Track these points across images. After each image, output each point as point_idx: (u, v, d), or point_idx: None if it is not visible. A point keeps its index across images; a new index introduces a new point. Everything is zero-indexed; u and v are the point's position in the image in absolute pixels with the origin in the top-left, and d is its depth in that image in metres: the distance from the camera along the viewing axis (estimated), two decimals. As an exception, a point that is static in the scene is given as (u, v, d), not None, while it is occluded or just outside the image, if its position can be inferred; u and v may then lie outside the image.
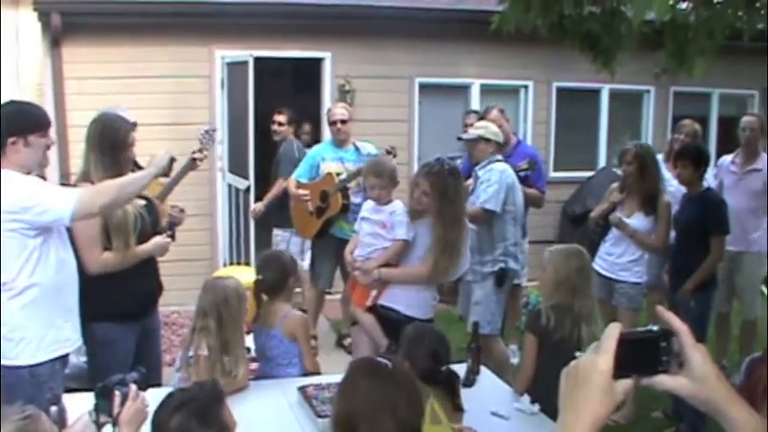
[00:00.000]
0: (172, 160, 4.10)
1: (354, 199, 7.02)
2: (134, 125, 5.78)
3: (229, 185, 9.19)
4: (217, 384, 2.85)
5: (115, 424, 2.89)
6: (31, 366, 3.69)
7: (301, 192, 7.15)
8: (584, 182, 10.38)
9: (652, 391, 4.69)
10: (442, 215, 4.73)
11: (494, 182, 5.94)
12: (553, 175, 10.15)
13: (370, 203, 4.99)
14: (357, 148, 7.20)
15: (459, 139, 6.57)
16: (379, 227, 4.86)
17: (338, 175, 7.01)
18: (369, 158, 5.36)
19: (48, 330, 3.77)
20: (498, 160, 6.11)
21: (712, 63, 5.48)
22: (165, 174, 4.12)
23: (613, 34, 5.26)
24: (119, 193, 3.83)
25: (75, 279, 3.95)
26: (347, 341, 7.12)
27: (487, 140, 6.08)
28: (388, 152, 6.89)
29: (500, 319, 6.20)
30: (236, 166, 8.90)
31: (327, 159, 7.17)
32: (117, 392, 2.93)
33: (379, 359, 2.96)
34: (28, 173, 3.70)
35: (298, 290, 5.62)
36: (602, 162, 10.95)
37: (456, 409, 3.47)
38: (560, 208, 10.34)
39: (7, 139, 3.65)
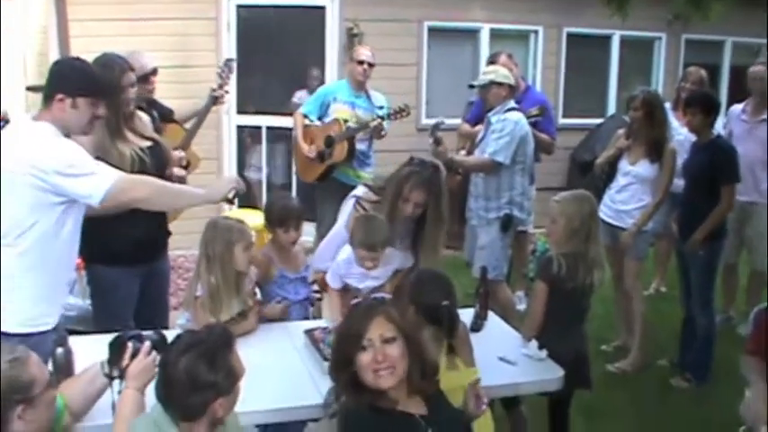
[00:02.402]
0: (234, 196, 3.96)
1: (360, 146, 7.00)
2: (154, 70, 5.75)
3: (238, 127, 9.17)
4: (227, 329, 2.83)
5: (122, 376, 2.90)
6: (18, 335, 3.44)
7: (305, 146, 7.11)
8: (593, 129, 10.29)
9: (659, 340, 4.78)
10: (437, 219, 4.46)
11: (506, 133, 5.86)
12: (562, 121, 10.06)
13: (353, 268, 4.32)
14: (369, 97, 7.13)
15: (471, 86, 6.50)
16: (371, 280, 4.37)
17: (346, 121, 6.96)
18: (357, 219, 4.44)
19: (37, 302, 3.56)
20: (512, 108, 6.02)
21: (729, 8, 5.39)
22: (230, 201, 3.98)
23: (627, -23, 5.18)
24: (156, 195, 3.68)
25: (74, 260, 3.83)
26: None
27: (499, 84, 5.98)
28: (401, 110, 6.82)
29: (506, 265, 6.22)
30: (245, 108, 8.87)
31: (339, 101, 7.09)
32: (129, 345, 2.94)
33: (377, 295, 2.99)
34: (66, 135, 3.55)
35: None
36: (611, 109, 10.87)
37: (450, 349, 3.45)
38: (569, 155, 10.26)
39: (55, 94, 3.51)
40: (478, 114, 7.17)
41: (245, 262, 4.10)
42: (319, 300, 4.75)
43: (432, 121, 6.23)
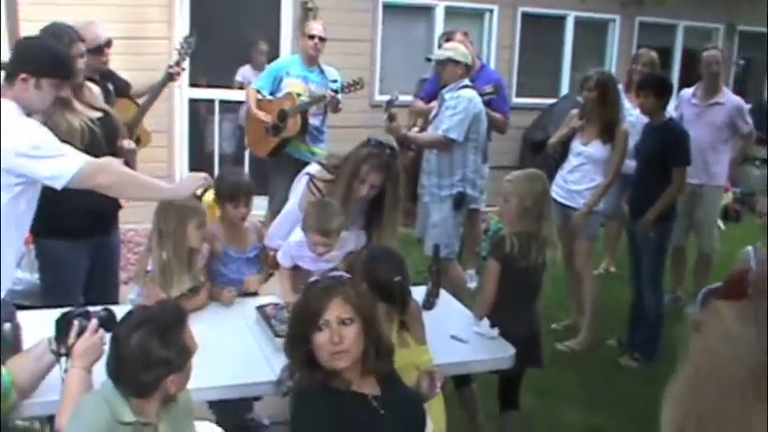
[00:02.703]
0: (203, 193, 3.88)
1: (313, 121, 6.97)
2: (108, 42, 5.62)
3: (190, 99, 9.07)
4: (179, 306, 2.81)
5: (68, 355, 2.85)
6: None
7: (260, 114, 7.05)
8: (546, 109, 10.38)
9: (608, 319, 4.83)
10: (395, 202, 4.43)
11: (460, 110, 5.88)
12: (515, 100, 10.09)
13: (304, 248, 4.26)
14: (322, 71, 7.10)
15: (428, 59, 6.50)
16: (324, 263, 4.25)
17: (299, 95, 6.91)
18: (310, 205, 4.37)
19: None
20: (466, 86, 6.04)
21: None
22: (198, 197, 3.91)
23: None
24: (122, 184, 3.58)
25: (23, 237, 3.75)
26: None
27: (456, 62, 6.00)
28: (355, 83, 6.82)
29: (457, 243, 6.25)
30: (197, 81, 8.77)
31: (292, 75, 7.06)
32: (75, 323, 2.89)
33: (335, 273, 2.98)
34: (28, 114, 3.46)
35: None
36: (564, 89, 10.96)
37: (402, 326, 3.47)
38: (521, 134, 10.33)
39: (19, 73, 3.41)
40: (432, 91, 7.17)
41: (197, 239, 4.06)
42: (270, 275, 4.72)
43: (385, 98, 6.23)
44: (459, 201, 6.02)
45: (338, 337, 2.70)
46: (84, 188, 3.48)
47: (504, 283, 4.21)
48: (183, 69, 5.91)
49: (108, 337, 2.78)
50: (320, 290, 2.81)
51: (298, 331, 2.81)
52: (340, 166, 4.44)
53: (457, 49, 6.11)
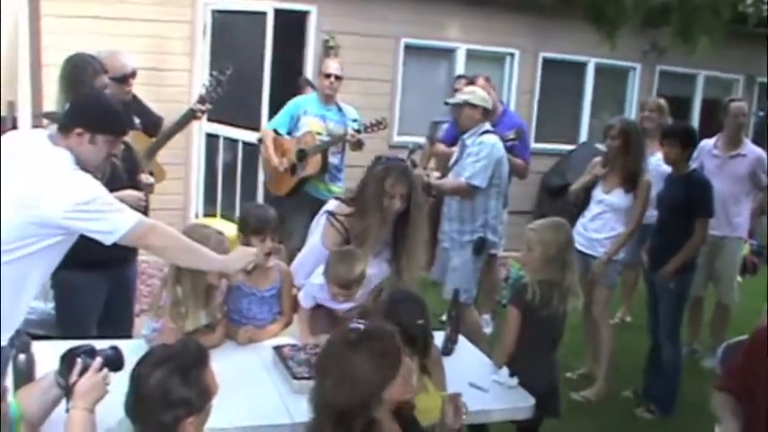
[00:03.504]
0: (251, 271, 3.88)
1: (332, 159, 6.95)
2: (133, 72, 5.53)
3: (207, 134, 9.07)
4: (201, 345, 2.77)
5: (69, 393, 2.78)
6: None
7: (274, 158, 7.00)
8: (564, 155, 10.42)
9: (623, 370, 4.76)
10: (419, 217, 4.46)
11: (483, 156, 5.86)
12: (534, 145, 9.95)
13: (325, 292, 4.24)
14: (340, 109, 7.09)
15: (446, 103, 6.50)
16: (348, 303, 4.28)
17: (318, 134, 6.91)
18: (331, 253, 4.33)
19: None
20: (488, 131, 6.01)
21: (717, 43, 5.45)
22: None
23: (618, 6, 5.20)
24: (173, 249, 3.54)
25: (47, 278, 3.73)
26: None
27: (473, 106, 5.98)
28: (378, 123, 6.82)
29: (475, 288, 6.19)
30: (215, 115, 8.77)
31: (309, 114, 7.04)
32: (79, 360, 2.81)
33: (353, 325, 2.93)
34: (81, 167, 3.38)
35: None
36: (583, 136, 10.99)
37: (423, 370, 3.43)
38: (539, 179, 10.34)
39: (74, 127, 3.36)
40: (454, 134, 7.17)
41: (215, 275, 4.00)
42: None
43: (403, 139, 6.24)
44: (480, 246, 5.99)
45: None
46: (129, 244, 3.44)
47: (525, 331, 4.18)
48: (208, 108, 5.76)
49: (113, 376, 2.76)
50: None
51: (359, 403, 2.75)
52: (357, 197, 4.44)
53: (475, 93, 6.11)
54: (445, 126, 7.72)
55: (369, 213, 4.32)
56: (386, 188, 4.29)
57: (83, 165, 3.38)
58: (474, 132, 5.99)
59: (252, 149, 8.61)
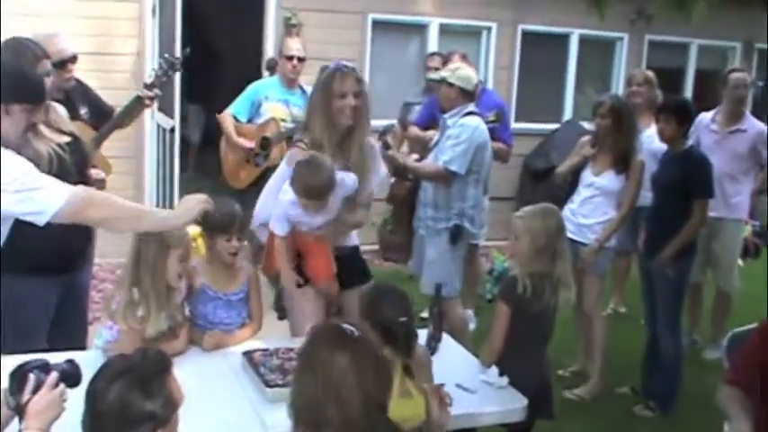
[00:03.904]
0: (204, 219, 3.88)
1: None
2: (73, 57, 5.46)
3: (157, 125, 9.00)
4: (162, 352, 2.74)
5: (21, 414, 2.70)
6: None
7: (241, 140, 7.05)
8: (547, 135, 10.45)
9: (619, 364, 4.77)
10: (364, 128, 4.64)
11: (463, 140, 5.84)
12: (515, 126, 9.93)
13: (298, 207, 4.38)
14: (304, 92, 7.05)
15: (429, 79, 6.49)
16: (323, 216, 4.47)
17: (282, 121, 6.91)
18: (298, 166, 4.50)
19: None
20: (471, 113, 6.00)
21: (713, 6, 5.44)
22: (198, 223, 3.90)
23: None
24: (114, 217, 3.50)
25: None
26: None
27: (450, 85, 5.97)
28: None
29: (458, 280, 6.14)
30: (164, 104, 8.69)
31: (272, 99, 7.06)
32: (31, 376, 2.71)
33: (343, 324, 2.89)
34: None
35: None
36: (568, 114, 11.02)
37: (406, 372, 3.42)
38: (521, 162, 10.37)
39: None
40: (428, 116, 7.18)
41: (176, 274, 3.99)
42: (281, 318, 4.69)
43: (373, 123, 6.21)
44: (456, 235, 5.97)
45: None
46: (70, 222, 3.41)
47: (515, 328, 4.19)
48: (158, 95, 5.68)
49: (69, 393, 2.71)
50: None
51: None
52: (308, 113, 4.67)
53: (457, 72, 6.07)
54: (418, 108, 7.72)
55: (324, 120, 4.47)
56: (334, 90, 4.43)
57: (3, 141, 3.35)
58: (457, 113, 5.98)
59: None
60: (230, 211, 4.36)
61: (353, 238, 4.86)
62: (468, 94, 6.05)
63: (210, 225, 4.30)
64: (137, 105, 5.57)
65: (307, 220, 4.36)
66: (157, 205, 8.85)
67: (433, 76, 6.24)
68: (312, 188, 4.21)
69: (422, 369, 3.53)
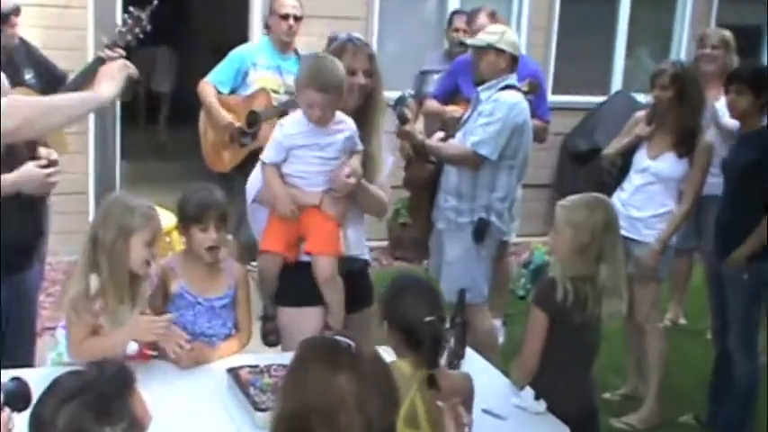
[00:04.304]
0: (136, 82, 3.88)
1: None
2: (16, 9, 5.48)
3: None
4: (124, 366, 2.74)
5: None
6: None
7: (227, 115, 7.06)
8: (592, 109, 10.43)
9: (680, 388, 4.76)
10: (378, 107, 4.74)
11: (497, 119, 5.81)
12: (552, 99, 9.93)
13: (299, 123, 4.51)
14: (299, 56, 7.08)
15: (462, 44, 6.43)
16: (333, 151, 4.53)
17: (274, 92, 6.93)
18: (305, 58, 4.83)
19: None
20: (510, 86, 5.97)
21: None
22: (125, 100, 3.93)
23: None
24: (31, 121, 3.59)
25: None
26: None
27: (500, 51, 5.94)
28: None
29: (485, 284, 6.15)
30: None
31: (261, 67, 7.10)
32: None
33: (339, 338, 2.89)
34: None
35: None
36: (617, 84, 10.98)
37: (431, 384, 3.40)
38: (559, 142, 10.38)
39: None
40: (449, 88, 7.17)
41: (142, 260, 4.03)
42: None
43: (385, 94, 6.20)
44: (482, 231, 5.95)
45: None
46: None
47: (554, 341, 4.19)
48: (122, 56, 5.66)
49: (16, 418, 2.72)
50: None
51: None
52: None
53: (504, 35, 6.05)
54: (436, 77, 7.72)
55: None
56: (343, 63, 4.47)
57: None
58: (492, 85, 5.95)
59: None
60: (205, 198, 4.41)
61: (364, 250, 4.91)
62: (515, 62, 6.06)
63: (183, 214, 4.38)
64: (96, 69, 5.55)
65: (305, 153, 4.44)
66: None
67: (472, 40, 6.11)
68: (322, 76, 4.29)
69: (454, 393, 3.40)
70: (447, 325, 4.43)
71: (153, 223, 4.04)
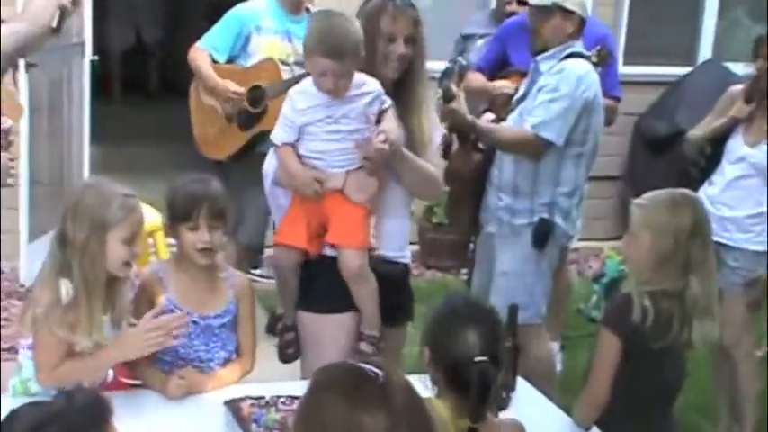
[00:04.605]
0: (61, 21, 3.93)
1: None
2: None
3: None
4: (99, 396, 2.77)
5: None
6: None
7: (230, 85, 7.04)
8: (673, 84, 10.42)
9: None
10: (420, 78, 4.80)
11: (563, 94, 5.79)
12: (623, 70, 9.85)
13: (309, 95, 4.59)
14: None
15: (523, 2, 6.39)
16: (350, 122, 4.58)
17: (283, 62, 6.95)
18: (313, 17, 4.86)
19: None
20: (578, 54, 5.96)
21: None
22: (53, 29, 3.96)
23: None
24: None
25: None
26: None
27: (568, 13, 5.93)
28: None
29: (544, 301, 6.15)
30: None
31: (266, 30, 7.11)
32: None
33: (364, 365, 2.88)
34: None
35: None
36: (705, 53, 10.94)
37: None
38: (631, 125, 10.38)
39: None
40: (496, 57, 7.16)
41: (120, 261, 4.06)
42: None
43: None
44: (544, 234, 5.93)
45: None
46: None
47: (628, 371, 4.16)
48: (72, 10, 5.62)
49: None
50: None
51: None
52: None
53: None
54: (480, 43, 7.73)
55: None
56: (381, 28, 4.58)
57: None
58: (554, 54, 5.94)
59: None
60: (196, 190, 4.40)
61: (406, 252, 4.94)
62: (582, 27, 6.06)
63: (170, 210, 4.40)
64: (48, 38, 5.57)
65: (320, 129, 4.50)
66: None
67: (540, 1, 6.03)
68: (333, 40, 4.33)
69: None
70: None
71: (133, 216, 4.05)
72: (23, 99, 7.58)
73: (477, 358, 3.33)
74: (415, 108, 4.72)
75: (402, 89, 4.67)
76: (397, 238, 4.84)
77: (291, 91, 4.64)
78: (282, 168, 4.60)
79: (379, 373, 2.61)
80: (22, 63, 6.80)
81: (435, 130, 4.99)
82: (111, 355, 4.05)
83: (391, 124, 4.51)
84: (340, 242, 4.51)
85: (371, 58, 4.54)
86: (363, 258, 4.53)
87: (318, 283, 4.59)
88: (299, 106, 4.51)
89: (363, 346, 4.59)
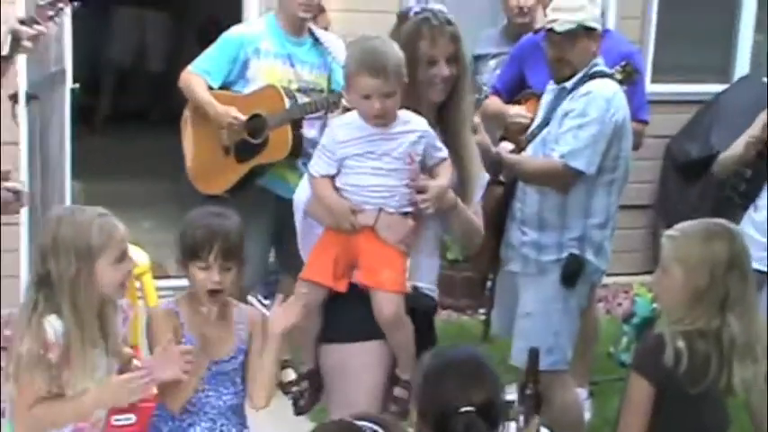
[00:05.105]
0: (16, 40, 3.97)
1: (310, 132, 6.92)
2: None
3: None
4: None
5: None
6: None
7: (231, 110, 6.95)
8: (707, 103, 10.40)
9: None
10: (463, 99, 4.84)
11: (592, 119, 5.78)
12: (651, 88, 9.88)
13: (352, 128, 4.61)
14: (317, 42, 7.15)
15: (551, 30, 6.43)
16: (392, 161, 4.59)
17: (287, 92, 6.91)
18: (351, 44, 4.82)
19: None
20: (603, 74, 5.95)
21: None
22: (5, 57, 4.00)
23: None
24: None
25: None
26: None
27: (590, 31, 5.96)
28: None
29: (570, 344, 6.13)
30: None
31: (265, 54, 7.08)
32: None
33: (363, 423, 2.93)
34: None
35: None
36: (742, 68, 10.96)
37: None
38: (662, 148, 10.39)
39: None
40: (513, 78, 7.18)
41: (116, 284, 4.12)
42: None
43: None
44: (573, 272, 5.93)
45: None
46: None
47: (663, 419, 4.18)
48: (40, 34, 5.61)
49: None
50: None
51: None
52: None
53: (585, 9, 6.00)
54: (494, 63, 7.80)
55: (402, 97, 4.55)
56: (420, 52, 4.62)
57: None
58: (579, 78, 5.92)
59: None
60: (210, 225, 4.42)
61: (434, 288, 4.96)
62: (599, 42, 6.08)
63: (181, 245, 4.42)
64: (13, 52, 5.58)
65: (361, 150, 4.53)
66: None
67: (563, 26, 5.94)
68: (374, 58, 4.41)
69: None
70: (512, 396, 4.49)
71: (116, 235, 4.10)
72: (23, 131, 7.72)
73: (463, 409, 3.36)
74: (461, 135, 4.77)
75: (444, 114, 4.73)
76: (429, 275, 4.86)
77: (333, 122, 4.74)
78: (318, 200, 4.62)
79: (378, 430, 2.70)
80: (22, 95, 6.88)
81: (481, 166, 5.05)
82: (93, 399, 4.05)
83: (443, 181, 4.57)
84: (369, 282, 4.53)
85: (413, 84, 4.56)
86: (399, 304, 4.53)
87: (342, 314, 4.61)
88: (340, 138, 4.54)
89: (398, 391, 4.61)
